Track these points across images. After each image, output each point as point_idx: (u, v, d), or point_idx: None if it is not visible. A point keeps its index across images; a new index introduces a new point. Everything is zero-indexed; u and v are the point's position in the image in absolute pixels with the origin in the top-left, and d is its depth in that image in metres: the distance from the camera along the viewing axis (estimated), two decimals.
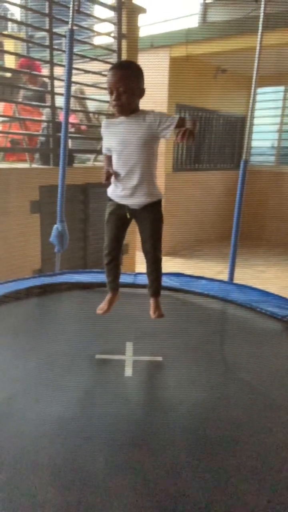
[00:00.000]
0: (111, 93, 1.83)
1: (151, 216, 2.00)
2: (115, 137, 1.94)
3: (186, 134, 1.72)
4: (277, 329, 2.63)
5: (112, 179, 2.01)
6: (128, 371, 2.04)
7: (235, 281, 3.46)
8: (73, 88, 4.35)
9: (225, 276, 3.56)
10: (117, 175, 1.97)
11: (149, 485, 1.39)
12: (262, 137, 7.56)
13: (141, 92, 1.88)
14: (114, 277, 2.19)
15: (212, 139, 6.99)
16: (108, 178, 1.98)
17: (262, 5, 3.13)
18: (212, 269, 5.09)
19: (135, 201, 1.98)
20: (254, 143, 7.54)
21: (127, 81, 1.79)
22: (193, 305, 2.99)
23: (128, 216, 2.04)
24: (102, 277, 3.23)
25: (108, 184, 2.02)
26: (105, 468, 1.46)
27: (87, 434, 1.62)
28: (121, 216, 2.04)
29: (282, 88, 7.14)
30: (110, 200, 2.07)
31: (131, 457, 1.52)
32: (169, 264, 5.36)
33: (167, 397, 1.92)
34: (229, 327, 2.81)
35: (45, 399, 1.82)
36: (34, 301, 2.93)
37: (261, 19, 3.13)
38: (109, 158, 2.06)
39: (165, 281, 3.09)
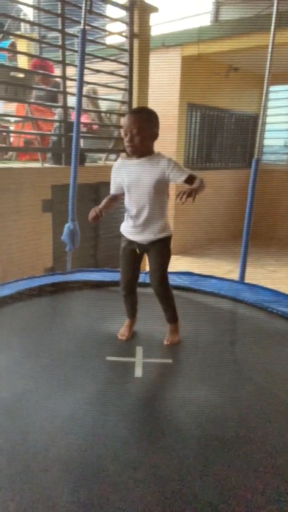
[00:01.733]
0: (125, 135, 1.94)
1: (158, 251, 2.11)
2: (128, 176, 2.03)
3: (188, 195, 1.79)
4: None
5: (125, 215, 2.12)
6: (138, 372, 2.05)
7: (246, 280, 3.45)
8: (86, 88, 4.38)
9: (236, 275, 3.56)
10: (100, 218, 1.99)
11: (158, 483, 1.40)
12: (274, 136, 7.50)
13: (154, 136, 1.99)
14: (131, 306, 2.30)
15: (223, 137, 6.96)
16: (95, 219, 1.98)
17: (275, 3, 3.11)
18: (223, 268, 5.08)
19: (144, 238, 2.09)
20: (266, 142, 7.48)
21: (140, 124, 1.91)
22: (203, 305, 2.98)
23: (138, 252, 2.14)
24: (112, 276, 3.26)
25: (94, 222, 2.03)
26: (115, 465, 1.47)
27: (97, 431, 1.63)
28: (133, 252, 2.15)
29: None
30: (122, 235, 2.17)
31: (141, 454, 1.53)
32: (179, 263, 5.38)
33: (177, 396, 1.92)
34: (240, 327, 2.80)
35: (56, 397, 1.84)
36: (46, 300, 2.96)
37: (273, 17, 3.11)
38: (110, 199, 2.11)
39: (175, 279, 3.12)
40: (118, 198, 2.13)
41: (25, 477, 1.41)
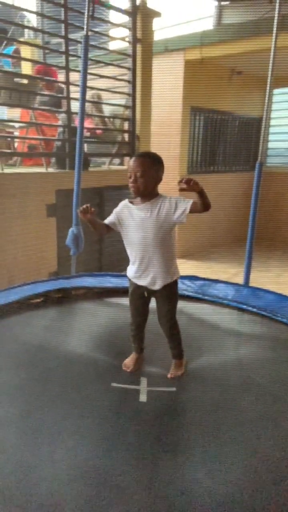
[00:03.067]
0: (129, 177, 1.98)
1: (167, 294, 2.11)
2: (132, 221, 2.02)
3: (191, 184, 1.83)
4: None
5: (130, 262, 2.12)
6: (143, 398, 2.00)
7: (251, 284, 3.43)
8: (91, 93, 4.41)
9: (240, 279, 3.54)
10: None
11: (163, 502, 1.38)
12: (279, 138, 7.48)
13: (158, 179, 2.02)
14: (139, 343, 2.29)
15: (227, 141, 6.96)
16: (84, 212, 2.04)
17: (277, 6, 3.12)
18: (228, 271, 5.06)
19: (151, 283, 2.08)
20: (271, 145, 7.47)
21: (144, 167, 1.95)
22: (208, 309, 2.97)
23: (146, 295, 2.14)
24: (116, 281, 3.26)
25: (82, 216, 2.07)
26: (120, 482, 1.45)
27: (102, 449, 1.60)
28: (141, 295, 2.16)
29: None
30: (129, 280, 2.18)
31: (145, 472, 1.50)
32: (184, 267, 5.35)
33: (182, 408, 1.90)
34: (245, 332, 2.77)
35: (59, 416, 1.80)
36: (49, 307, 2.93)
37: (275, 20, 3.11)
38: (103, 224, 2.12)
39: (180, 285, 3.08)
40: (108, 229, 2.12)
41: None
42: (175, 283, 2.12)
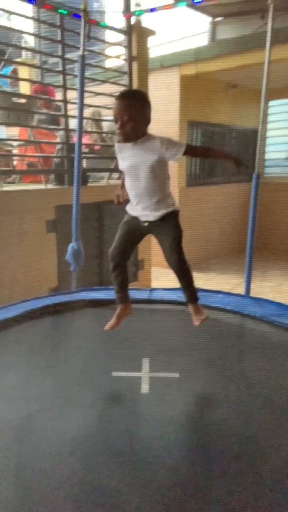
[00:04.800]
0: (116, 122, 1.87)
1: (167, 226, 2.01)
2: (125, 162, 2.01)
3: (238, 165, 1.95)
4: None
5: (129, 196, 2.07)
6: (145, 388, 2.03)
7: (252, 294, 3.42)
8: (91, 110, 4.48)
9: (242, 290, 3.53)
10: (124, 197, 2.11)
11: (165, 502, 1.37)
12: (277, 149, 7.55)
13: (146, 121, 1.90)
14: (119, 285, 2.16)
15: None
16: (119, 203, 2.14)
17: (269, 21, 3.18)
18: (230, 282, 5.05)
19: (150, 216, 2.02)
20: (269, 155, 7.54)
21: (130, 110, 1.82)
22: (210, 320, 2.96)
23: (146, 226, 2.04)
24: None
25: (119, 205, 2.14)
26: (122, 485, 1.44)
27: (104, 452, 1.60)
28: (135, 227, 2.07)
29: None
30: (127, 213, 2.13)
31: (148, 474, 1.50)
32: None
33: (183, 413, 1.89)
34: (246, 341, 2.77)
35: (62, 417, 1.82)
36: (50, 320, 2.96)
37: (268, 35, 3.17)
38: (121, 182, 2.16)
39: (181, 296, 3.09)
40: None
41: (31, 500, 1.39)
42: (173, 214, 2.01)
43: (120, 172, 2.19)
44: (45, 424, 1.78)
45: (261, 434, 1.74)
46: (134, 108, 1.84)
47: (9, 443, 1.67)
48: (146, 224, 2.03)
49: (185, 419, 1.85)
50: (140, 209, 2.03)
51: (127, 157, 1.98)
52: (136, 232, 2.09)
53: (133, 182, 1.99)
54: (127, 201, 2.11)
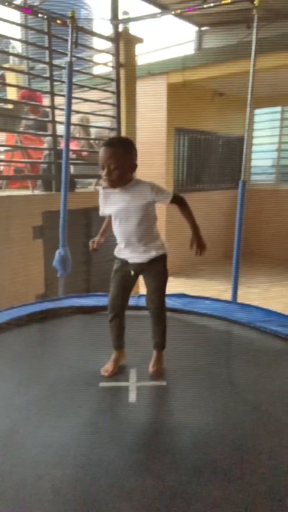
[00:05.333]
0: (102, 169, 1.87)
1: (154, 271, 2.06)
2: (115, 206, 2.00)
3: (199, 246, 2.01)
4: (281, 348, 2.60)
5: (117, 240, 2.10)
6: (132, 397, 2.02)
7: (239, 300, 3.44)
8: (79, 116, 4.48)
9: (229, 296, 3.55)
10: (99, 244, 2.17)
11: (152, 510, 1.36)
12: (263, 156, 7.67)
13: (132, 167, 1.92)
14: (117, 335, 2.18)
15: (212, 160, 7.09)
16: (94, 249, 2.16)
17: (254, 31, 3.23)
18: (217, 288, 5.08)
19: (138, 260, 2.05)
20: (255, 162, 7.65)
21: (116, 157, 1.83)
22: (197, 326, 2.97)
23: (133, 273, 2.08)
24: (105, 300, 3.24)
25: (95, 252, 2.18)
26: (109, 494, 1.43)
27: (89, 461, 1.59)
28: (126, 274, 2.08)
29: (279, 108, 7.29)
30: (116, 257, 2.14)
31: (135, 481, 1.49)
32: (172, 284, 5.35)
33: (171, 420, 1.89)
34: (233, 347, 2.78)
35: (47, 427, 1.80)
36: (37, 327, 2.92)
37: (253, 44, 3.22)
38: (103, 227, 2.20)
39: (168, 302, 3.09)
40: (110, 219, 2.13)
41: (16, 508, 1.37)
42: (163, 258, 2.06)
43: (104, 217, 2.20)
44: (30, 434, 1.75)
45: (247, 440, 1.74)
46: (120, 155, 1.85)
47: None
48: (134, 268, 2.07)
49: (172, 426, 1.84)
50: (128, 252, 2.05)
51: (116, 201, 1.99)
52: (127, 280, 2.11)
53: (122, 225, 2.01)
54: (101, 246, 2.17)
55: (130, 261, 2.06)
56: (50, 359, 2.46)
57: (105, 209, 2.08)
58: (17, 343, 2.67)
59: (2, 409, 1.93)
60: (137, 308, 3.05)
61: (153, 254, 2.03)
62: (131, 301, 3.18)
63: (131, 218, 1.97)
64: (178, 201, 1.99)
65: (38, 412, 1.92)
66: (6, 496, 1.43)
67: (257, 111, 7.01)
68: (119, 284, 2.12)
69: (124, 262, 2.08)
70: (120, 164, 1.84)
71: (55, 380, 2.18)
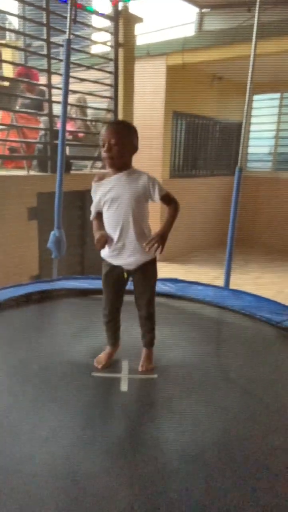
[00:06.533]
0: (103, 145, 1.88)
1: (145, 274, 2.04)
2: (109, 193, 1.94)
3: (159, 243, 1.87)
4: (272, 334, 2.65)
5: (108, 232, 2.00)
6: (124, 387, 2.02)
7: (231, 286, 3.48)
8: (76, 96, 4.41)
9: (221, 282, 3.59)
10: (110, 239, 1.98)
11: (143, 493, 1.40)
12: (260, 143, 7.63)
13: (133, 149, 1.93)
14: (113, 333, 2.19)
15: (209, 145, 7.04)
16: (104, 243, 1.97)
17: (256, 14, 3.19)
18: (209, 274, 5.12)
19: (129, 261, 2.00)
20: (252, 149, 7.61)
21: (119, 135, 1.86)
22: (188, 311, 3.00)
23: (125, 276, 2.05)
24: (99, 283, 3.25)
25: (103, 247, 2.00)
26: (101, 483, 1.45)
27: (82, 448, 1.61)
28: (118, 277, 2.05)
29: (278, 95, 7.22)
30: (104, 260, 2.08)
31: (127, 469, 1.52)
32: (165, 270, 5.40)
33: (162, 409, 1.91)
34: (224, 333, 2.82)
35: (39, 413, 1.80)
36: (30, 309, 2.93)
37: (255, 28, 3.18)
38: (98, 223, 2.04)
39: (160, 287, 3.12)
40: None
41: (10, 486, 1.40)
42: (153, 261, 2.05)
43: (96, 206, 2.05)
44: (20, 419, 1.75)
45: (237, 425, 1.77)
46: (122, 133, 1.88)
47: None
48: (126, 271, 2.02)
49: (163, 415, 1.85)
50: (120, 253, 1.98)
51: (111, 188, 1.94)
52: (119, 282, 2.07)
53: (116, 213, 1.94)
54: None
55: (121, 264, 2.02)
56: (42, 341, 2.47)
57: (99, 198, 1.99)
58: (9, 326, 2.67)
59: None
60: (131, 292, 3.08)
61: (143, 258, 2.00)
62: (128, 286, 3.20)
63: (125, 205, 1.92)
64: (171, 199, 1.94)
65: (26, 398, 1.91)
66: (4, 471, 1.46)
67: (255, 96, 6.94)
68: (112, 289, 2.10)
69: (113, 266, 2.04)
70: (121, 141, 1.85)
71: (46, 364, 2.18)
